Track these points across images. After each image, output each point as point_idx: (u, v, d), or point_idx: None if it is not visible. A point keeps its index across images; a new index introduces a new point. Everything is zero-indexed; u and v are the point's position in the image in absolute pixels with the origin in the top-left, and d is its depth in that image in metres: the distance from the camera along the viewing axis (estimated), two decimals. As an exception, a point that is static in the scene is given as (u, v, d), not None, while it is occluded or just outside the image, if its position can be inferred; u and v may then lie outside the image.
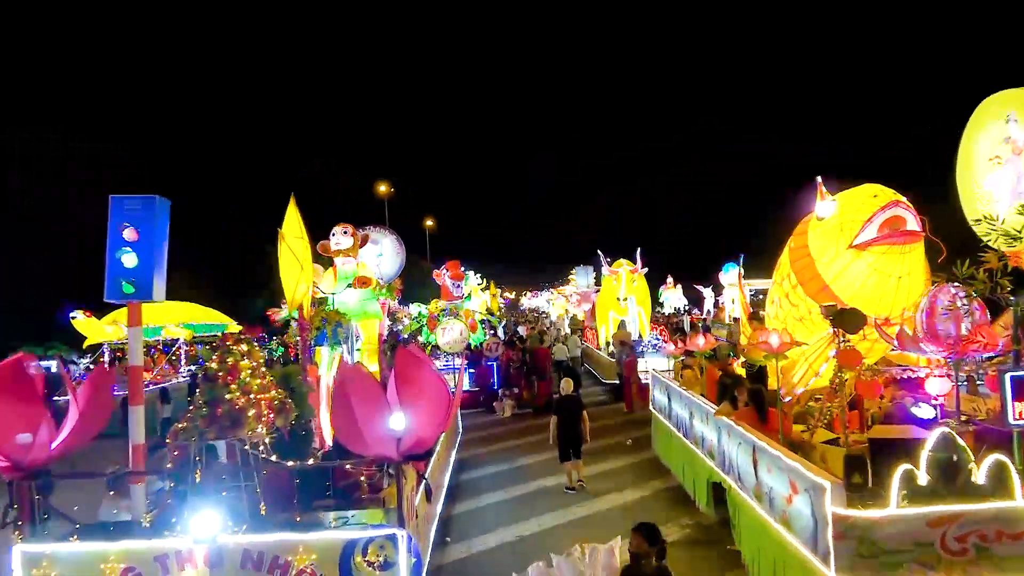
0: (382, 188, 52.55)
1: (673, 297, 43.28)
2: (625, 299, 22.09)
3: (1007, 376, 5.10)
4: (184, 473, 5.13)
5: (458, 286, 21.84)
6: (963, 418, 6.11)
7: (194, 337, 23.42)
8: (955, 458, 4.96)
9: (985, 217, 5.61)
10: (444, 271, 21.99)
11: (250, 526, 4.92)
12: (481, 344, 21.26)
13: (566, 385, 11.55)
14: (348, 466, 5.10)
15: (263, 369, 5.42)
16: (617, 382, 20.48)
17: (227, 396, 5.08)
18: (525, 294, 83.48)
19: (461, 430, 14.31)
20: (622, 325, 22.28)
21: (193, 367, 24.37)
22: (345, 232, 10.18)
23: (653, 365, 20.05)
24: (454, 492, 11.20)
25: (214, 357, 5.23)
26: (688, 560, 8.13)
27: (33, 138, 28.58)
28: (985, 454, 5.03)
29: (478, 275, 34.26)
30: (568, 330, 33.69)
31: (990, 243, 5.57)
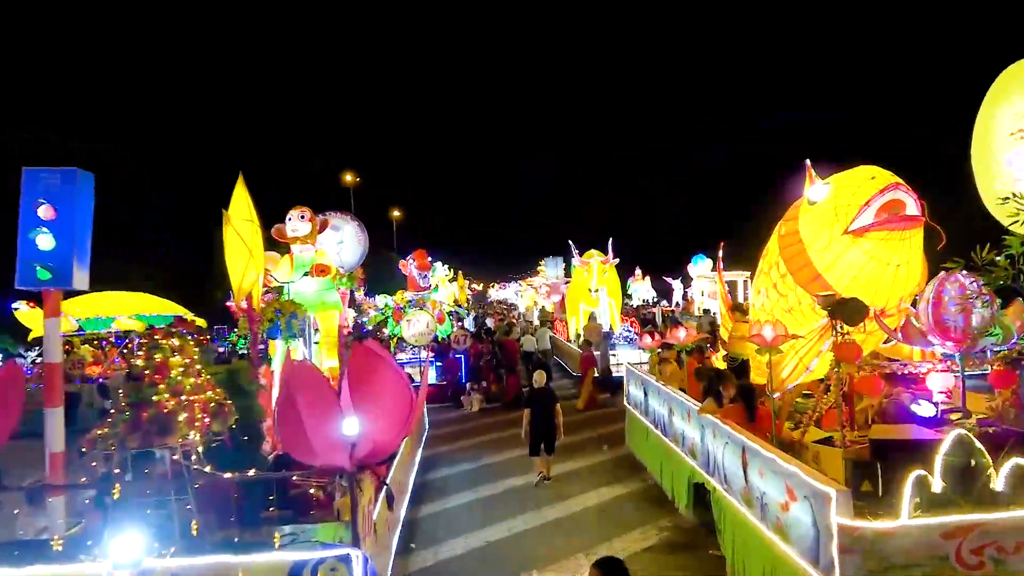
0: (348, 177, 51.56)
1: (641, 289, 43.11)
2: (597, 290, 21.60)
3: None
4: (105, 486, 4.44)
5: (424, 276, 21.19)
6: (972, 417, 5.68)
7: (147, 329, 22.33)
8: (972, 463, 4.50)
9: (1014, 195, 5.13)
10: (410, 261, 21.32)
11: (181, 548, 4.26)
12: (449, 336, 20.63)
13: (539, 377, 11.03)
14: (295, 477, 4.50)
15: (198, 367, 4.74)
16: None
17: (154, 398, 4.41)
18: (493, 286, 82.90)
19: (427, 426, 13.68)
20: (592, 317, 21.80)
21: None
22: (302, 217, 9.46)
23: (625, 358, 19.71)
24: (419, 493, 10.59)
25: (140, 353, 4.54)
26: (668, 565, 7.66)
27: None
28: (1005, 458, 4.58)
29: (446, 266, 33.55)
30: (537, 322, 33.22)
31: (1016, 226, 5.10)
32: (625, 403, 12.41)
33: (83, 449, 4.38)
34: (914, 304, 6.96)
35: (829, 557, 4.61)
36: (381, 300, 30.32)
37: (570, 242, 23.31)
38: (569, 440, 13.57)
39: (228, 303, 10.22)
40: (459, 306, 31.68)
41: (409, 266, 21.27)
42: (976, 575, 4.48)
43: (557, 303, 31.87)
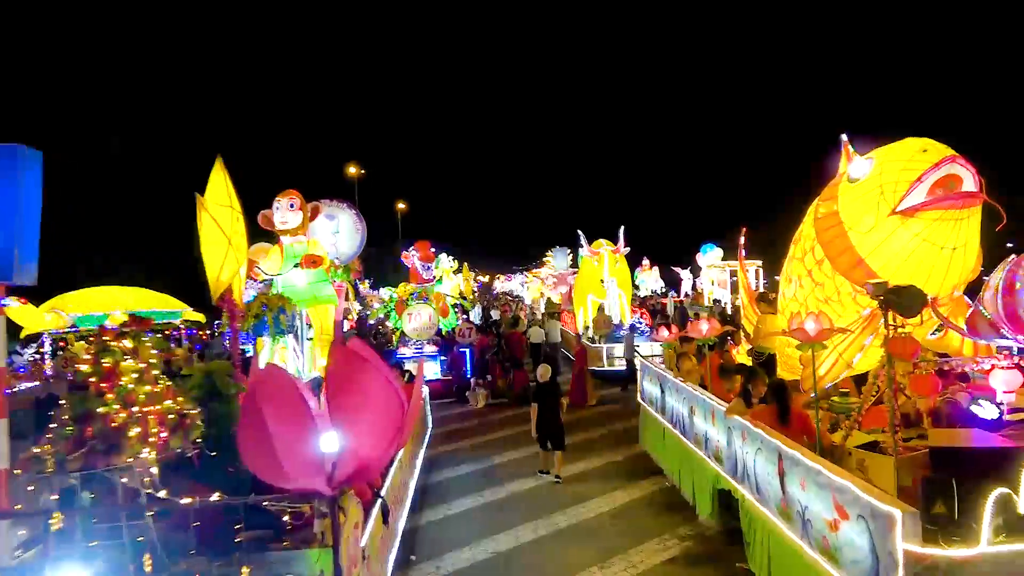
0: (352, 169, 50.86)
1: (649, 280, 42.36)
2: (609, 281, 20.89)
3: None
4: (44, 514, 3.78)
5: (428, 268, 20.44)
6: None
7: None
8: (1067, 480, 3.81)
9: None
10: (413, 252, 20.58)
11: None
12: (453, 330, 19.97)
13: (543, 372, 10.66)
14: (267, 503, 3.86)
15: (156, 372, 4.08)
16: (598, 367, 19.39)
17: (100, 410, 3.75)
18: (499, 277, 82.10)
19: (430, 424, 13.02)
20: (601, 309, 21.11)
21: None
22: (292, 205, 8.79)
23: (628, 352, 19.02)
24: (421, 498, 9.94)
25: (86, 357, 3.88)
26: (691, 581, 7.02)
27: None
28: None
29: (450, 257, 32.85)
30: (545, 313, 32.52)
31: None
32: (639, 399, 11.72)
33: (16, 471, 3.74)
34: (967, 293, 6.27)
35: (893, 589, 3.94)
36: (386, 293, 29.68)
37: (580, 232, 22.55)
38: (580, 438, 12.95)
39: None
40: (464, 298, 30.98)
41: (412, 257, 20.53)
42: (1070, 611, 3.80)
43: (564, 294, 31.13)
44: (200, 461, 4.45)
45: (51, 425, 3.76)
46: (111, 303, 20.67)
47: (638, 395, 11.80)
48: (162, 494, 3.85)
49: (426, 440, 12.01)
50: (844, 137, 7.14)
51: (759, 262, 34.59)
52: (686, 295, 37.87)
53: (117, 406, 3.76)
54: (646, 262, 41.57)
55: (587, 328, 21.61)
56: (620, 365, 19.13)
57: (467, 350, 18.47)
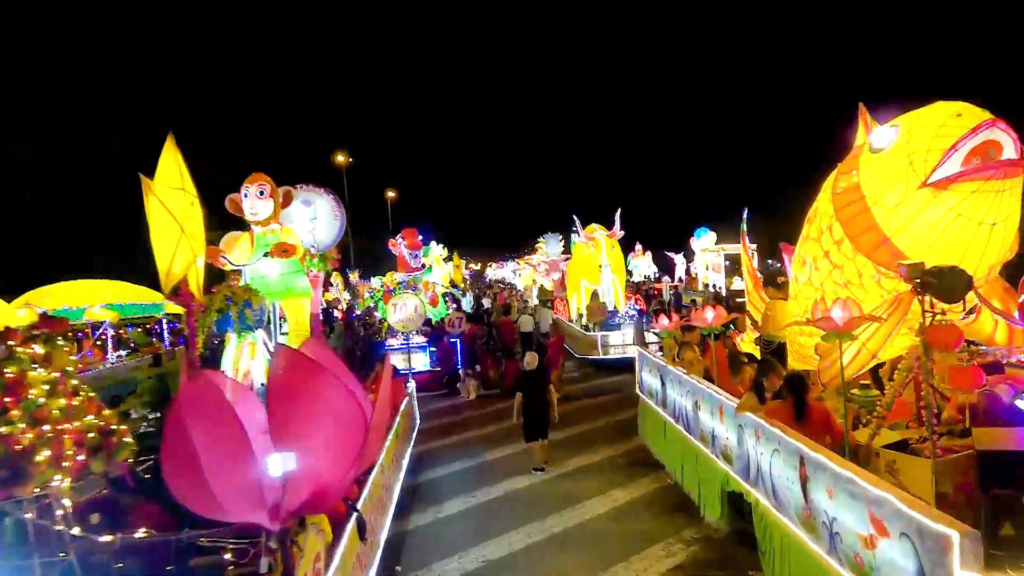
0: (340, 157, 50.03)
1: (642, 265, 41.82)
2: (606, 266, 20.26)
3: None
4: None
5: (415, 256, 19.83)
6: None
7: (121, 319, 20.97)
8: None
9: None
10: (400, 240, 19.95)
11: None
12: (443, 319, 19.32)
13: (530, 360, 10.43)
14: (203, 539, 3.24)
15: (75, 382, 3.43)
16: (593, 356, 18.84)
17: (2, 430, 3.11)
18: (491, 265, 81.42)
19: (418, 420, 12.41)
20: (595, 295, 20.49)
21: (124, 352, 22.13)
22: (261, 193, 8.08)
23: (630, 339, 18.45)
24: (408, 499, 9.35)
25: (-13, 366, 3.23)
26: (700, 590, 6.46)
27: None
28: None
29: (441, 245, 32.14)
30: (537, 301, 31.93)
31: None
32: (638, 391, 11.13)
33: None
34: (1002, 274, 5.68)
35: (947, 621, 3.35)
36: (377, 282, 28.96)
37: (575, 216, 21.87)
38: (576, 431, 12.39)
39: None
40: (455, 287, 30.33)
41: (399, 245, 19.88)
42: None
43: (557, 281, 30.51)
44: (136, 482, 3.82)
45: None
46: (88, 296, 19.94)
47: (636, 386, 11.20)
48: (75, 530, 3.20)
49: (413, 436, 11.40)
50: (861, 105, 6.52)
51: (753, 246, 34.05)
52: (680, 280, 37.38)
53: (23, 425, 3.12)
54: (639, 247, 41.03)
55: (581, 315, 21.02)
56: (616, 353, 18.58)
57: (457, 340, 17.84)
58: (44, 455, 3.12)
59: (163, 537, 3.13)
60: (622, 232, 20.54)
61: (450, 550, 7.72)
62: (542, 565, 7.26)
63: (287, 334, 8.49)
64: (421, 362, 17.54)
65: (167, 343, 21.89)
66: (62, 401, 3.27)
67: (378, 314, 20.80)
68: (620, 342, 18.60)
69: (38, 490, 3.07)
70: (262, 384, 7.38)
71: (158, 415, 5.40)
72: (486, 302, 31.90)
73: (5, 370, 3.21)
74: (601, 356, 18.59)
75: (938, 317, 4.46)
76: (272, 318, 8.33)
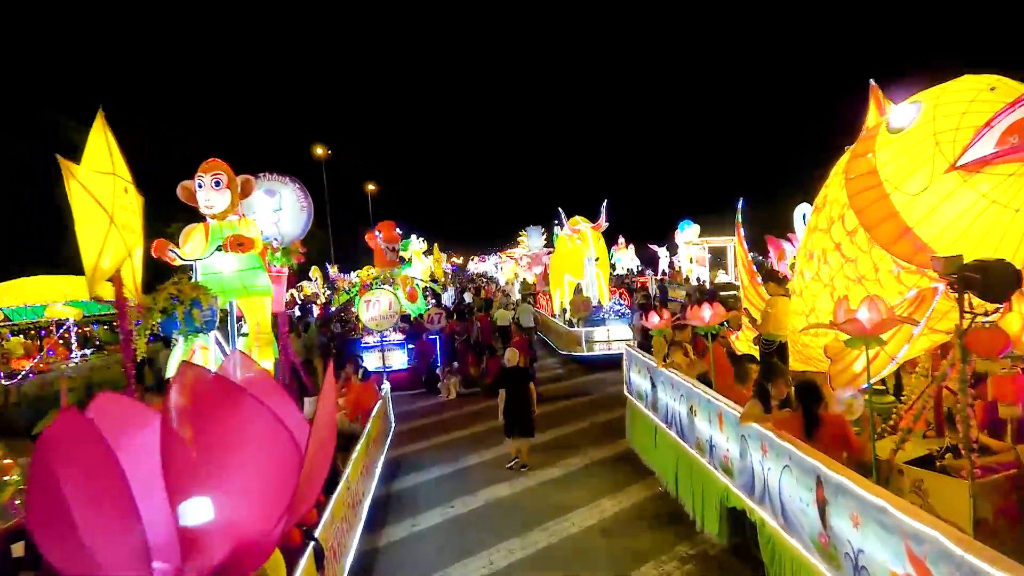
0: (319, 150, 49.07)
1: (625, 258, 41.37)
2: (594, 259, 19.64)
3: None
4: None
5: (393, 249, 19.07)
6: None
7: (84, 316, 20.06)
8: None
9: None
10: (377, 233, 19.17)
11: None
12: (422, 315, 18.62)
13: (511, 356, 10.27)
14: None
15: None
16: (576, 353, 18.25)
17: None
18: (473, 258, 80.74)
19: (393, 422, 11.73)
20: (578, 290, 19.88)
21: (88, 351, 21.22)
22: (216, 183, 7.35)
23: (616, 335, 17.90)
24: (381, 510, 8.70)
25: None
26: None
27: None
28: None
29: (421, 239, 31.38)
30: (519, 296, 31.29)
31: None
32: (626, 392, 10.54)
33: None
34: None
35: None
36: (356, 277, 28.19)
37: (560, 209, 21.19)
38: (560, 433, 11.79)
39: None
40: (435, 281, 29.60)
41: (376, 238, 19.11)
42: None
43: (539, 275, 29.89)
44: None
45: None
46: (47, 294, 18.99)
47: (624, 387, 10.61)
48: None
49: (388, 441, 10.74)
50: (873, 83, 5.94)
51: (734, 239, 33.67)
52: (663, 273, 36.96)
53: None
54: (622, 240, 40.55)
55: (564, 310, 20.42)
56: (601, 349, 18.02)
57: (437, 337, 17.16)
58: None
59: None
60: (607, 224, 19.92)
61: (427, 569, 7.09)
62: (524, 588, 6.66)
63: (246, 335, 7.80)
64: (399, 360, 16.87)
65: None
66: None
67: (355, 309, 20.07)
68: (605, 338, 18.02)
69: None
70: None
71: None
72: (468, 296, 31.20)
73: None
74: (585, 353, 18.00)
75: (978, 319, 3.88)
76: (229, 319, 7.63)
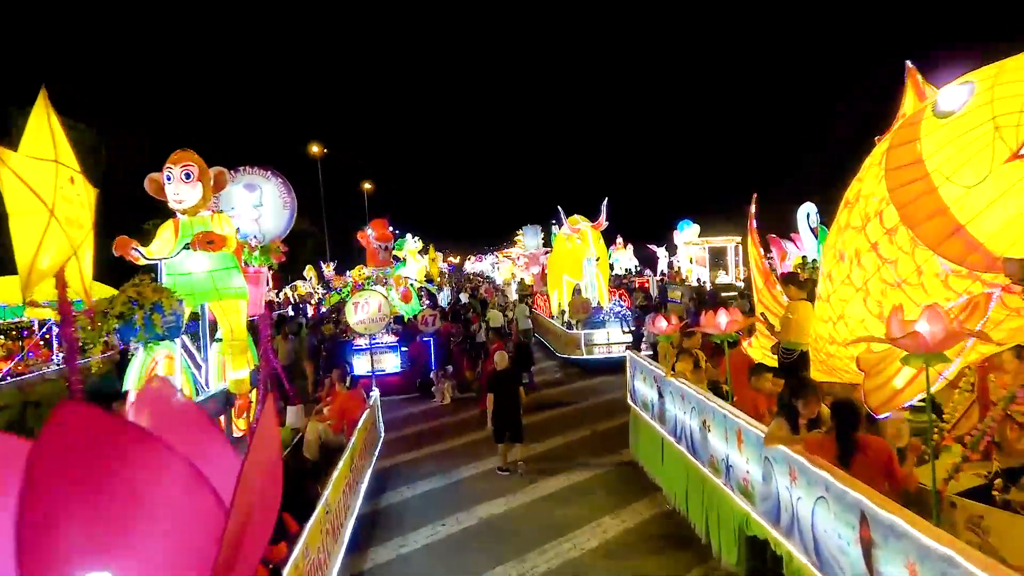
0: (315, 148, 48.45)
1: (623, 258, 40.80)
2: (594, 259, 19.06)
3: None
4: None
5: (386, 248, 18.48)
6: None
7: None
8: None
9: None
10: (369, 231, 18.58)
11: None
12: (416, 316, 18.00)
13: (499, 360, 9.99)
14: None
15: None
16: (575, 356, 17.66)
17: None
18: (470, 258, 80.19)
19: (382, 432, 11.11)
20: (578, 290, 19.28)
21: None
22: (187, 176, 6.74)
23: (615, 337, 17.31)
24: (367, 530, 8.09)
25: None
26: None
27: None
28: None
29: (416, 238, 30.74)
30: (516, 296, 30.67)
31: None
32: (629, 400, 9.94)
33: None
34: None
35: None
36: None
37: (559, 207, 20.55)
38: (559, 442, 11.21)
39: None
40: (430, 281, 28.97)
41: (368, 237, 18.52)
42: None
43: (536, 275, 29.29)
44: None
45: None
46: (15, 294, 18.29)
47: (628, 395, 10.01)
48: None
49: (376, 452, 10.11)
50: (909, 64, 5.36)
51: (737, 239, 33.10)
52: (662, 274, 36.39)
53: None
54: (620, 240, 39.97)
55: (563, 312, 19.82)
56: (601, 353, 17.42)
57: (431, 339, 16.55)
58: None
59: None
60: (607, 223, 19.31)
61: (412, 598, 6.50)
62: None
63: (220, 341, 7.19)
64: (392, 363, 16.26)
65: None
66: None
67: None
68: (605, 340, 17.43)
69: None
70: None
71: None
72: (464, 297, 30.57)
73: None
74: (585, 356, 17.39)
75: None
76: (201, 323, 7.02)
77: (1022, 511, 3.78)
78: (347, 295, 18.41)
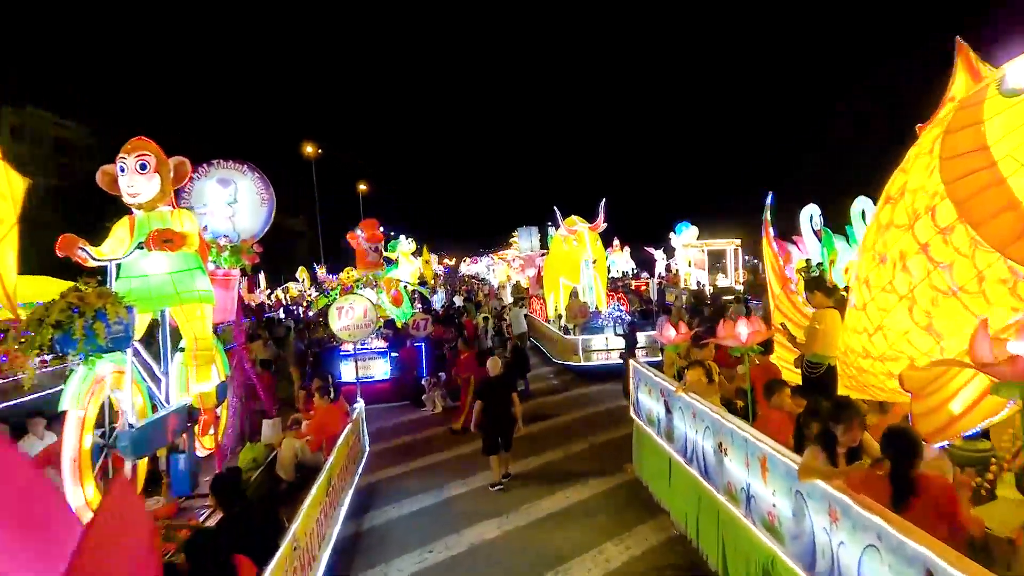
0: (309, 149, 47.75)
1: (620, 260, 40.17)
2: (592, 261, 18.39)
3: None
4: None
5: (376, 249, 17.76)
6: None
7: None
8: None
9: None
10: (359, 232, 17.87)
11: None
12: (408, 321, 17.28)
13: (492, 365, 9.58)
14: None
15: None
16: (573, 362, 16.99)
17: None
18: (465, 260, 79.40)
19: (367, 445, 10.40)
20: (575, 294, 18.60)
21: (49, 356, 19.76)
22: (143, 167, 6.05)
23: (613, 343, 16.65)
24: (347, 554, 7.41)
25: None
26: None
27: None
28: None
29: (410, 239, 30.00)
30: (511, 299, 29.96)
31: None
32: (632, 414, 9.26)
33: None
34: None
35: None
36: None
37: (556, 208, 19.86)
38: (557, 456, 10.53)
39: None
40: (423, 284, 28.23)
41: (358, 238, 17.80)
42: None
43: (532, 278, 28.60)
44: None
45: None
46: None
47: (631, 408, 9.33)
48: None
49: (360, 467, 9.40)
50: (959, 40, 4.71)
51: (737, 241, 32.49)
52: (660, 276, 35.76)
53: None
54: (617, 242, 39.34)
55: (559, 316, 19.13)
56: (599, 359, 16.76)
57: (422, 344, 15.85)
58: None
59: None
60: (605, 224, 18.63)
61: (394, 641, 5.81)
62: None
63: (183, 356, 6.47)
64: (381, 370, 15.56)
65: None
66: None
67: (335, 315, 18.72)
68: (604, 346, 16.76)
69: None
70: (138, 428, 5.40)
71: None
72: (458, 300, 29.87)
73: None
74: (582, 363, 16.72)
75: None
76: (161, 332, 6.31)
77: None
78: (335, 298, 17.69)
